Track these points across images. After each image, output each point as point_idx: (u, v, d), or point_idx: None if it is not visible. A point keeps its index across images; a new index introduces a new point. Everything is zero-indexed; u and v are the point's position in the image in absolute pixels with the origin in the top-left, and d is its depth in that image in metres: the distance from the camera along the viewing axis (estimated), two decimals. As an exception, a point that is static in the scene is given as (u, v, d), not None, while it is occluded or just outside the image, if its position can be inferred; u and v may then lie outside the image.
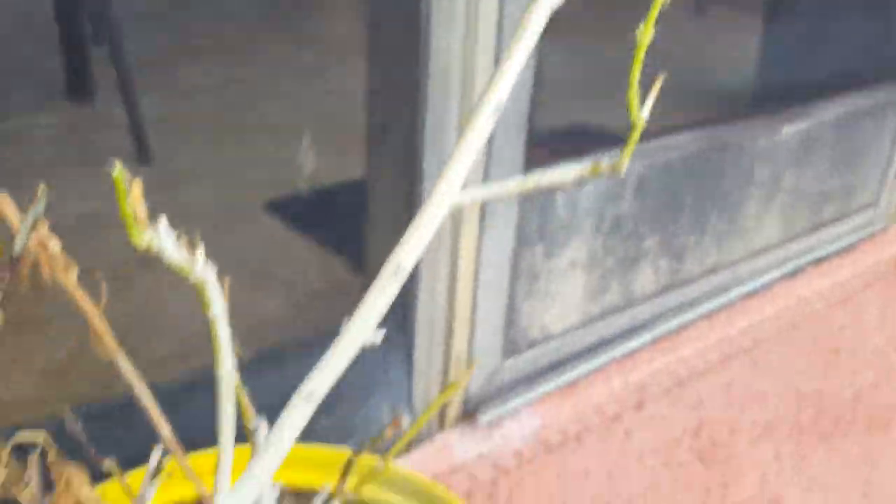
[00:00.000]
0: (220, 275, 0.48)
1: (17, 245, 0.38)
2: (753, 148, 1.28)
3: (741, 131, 1.26)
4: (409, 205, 0.98)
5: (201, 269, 0.37)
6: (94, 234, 1.37)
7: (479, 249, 1.02)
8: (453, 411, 1.16)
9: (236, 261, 1.38)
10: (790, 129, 1.33)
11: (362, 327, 0.38)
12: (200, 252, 0.38)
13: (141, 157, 1.69)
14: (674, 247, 1.27)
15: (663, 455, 1.15)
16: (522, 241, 1.06)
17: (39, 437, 0.45)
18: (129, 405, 0.48)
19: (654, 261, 1.25)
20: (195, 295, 0.47)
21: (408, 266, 0.38)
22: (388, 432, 0.59)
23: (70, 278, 0.49)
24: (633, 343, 1.28)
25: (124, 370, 0.54)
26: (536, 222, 1.05)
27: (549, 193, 1.05)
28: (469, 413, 1.16)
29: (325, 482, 0.67)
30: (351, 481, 0.64)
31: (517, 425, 1.20)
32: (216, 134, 1.81)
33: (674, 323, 1.32)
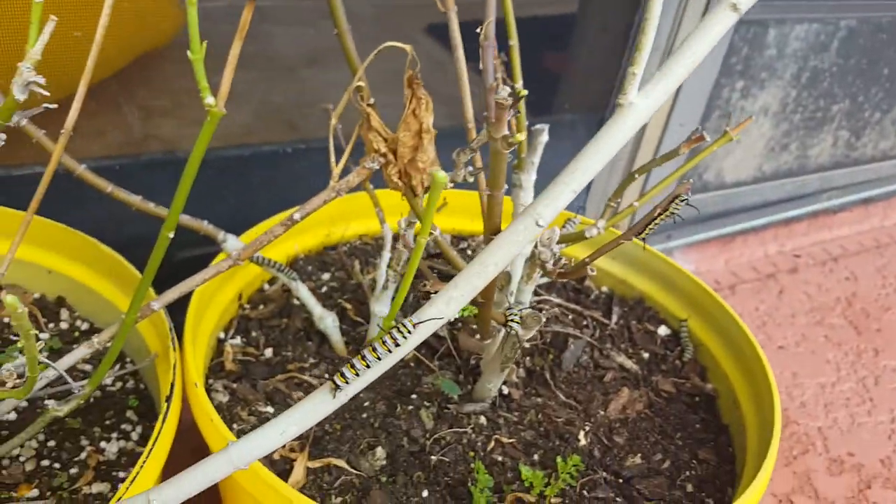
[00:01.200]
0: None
1: None
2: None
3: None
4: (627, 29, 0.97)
5: None
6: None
7: (683, 71, 1.01)
8: (614, 240, 1.17)
9: (396, 72, 1.39)
10: None
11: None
12: None
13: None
14: (857, 119, 1.24)
15: (817, 316, 1.16)
16: (725, 72, 1.05)
17: (407, 47, 0.47)
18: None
19: (836, 130, 1.23)
20: None
21: None
22: (684, 148, 0.59)
23: None
24: (795, 212, 1.27)
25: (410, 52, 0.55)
26: (745, 54, 1.04)
27: (761, 26, 1.03)
28: (629, 245, 1.18)
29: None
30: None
31: (671, 267, 1.21)
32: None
33: (836, 202, 1.31)
